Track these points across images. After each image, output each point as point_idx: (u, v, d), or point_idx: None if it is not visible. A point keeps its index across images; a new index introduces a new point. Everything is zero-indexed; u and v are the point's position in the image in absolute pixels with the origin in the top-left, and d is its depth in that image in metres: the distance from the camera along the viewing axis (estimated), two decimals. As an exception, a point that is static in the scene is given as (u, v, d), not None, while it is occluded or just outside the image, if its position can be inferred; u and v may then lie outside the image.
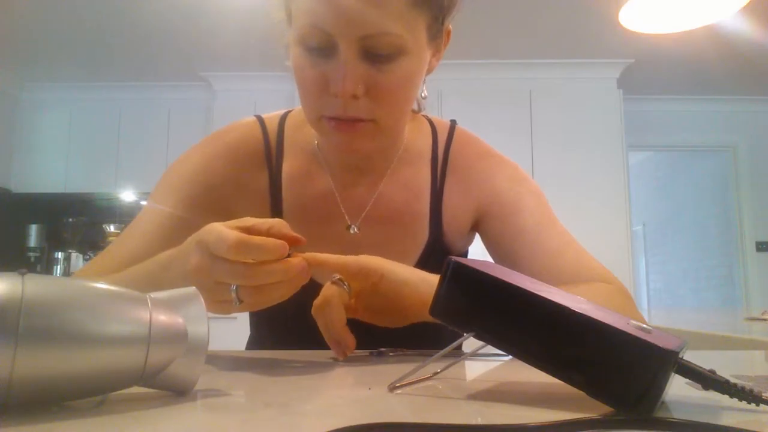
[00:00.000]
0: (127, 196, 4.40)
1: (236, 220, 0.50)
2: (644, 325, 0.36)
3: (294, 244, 0.51)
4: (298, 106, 0.77)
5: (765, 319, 1.48)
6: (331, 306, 0.54)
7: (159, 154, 4.38)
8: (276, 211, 0.75)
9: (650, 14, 2.30)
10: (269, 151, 0.77)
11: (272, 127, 0.79)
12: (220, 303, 0.50)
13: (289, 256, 0.49)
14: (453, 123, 0.84)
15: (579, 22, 3.45)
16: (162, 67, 4.15)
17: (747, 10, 2.62)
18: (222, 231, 0.47)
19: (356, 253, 0.59)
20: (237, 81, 4.18)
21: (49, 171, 4.42)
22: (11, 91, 4.40)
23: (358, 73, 0.59)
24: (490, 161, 0.80)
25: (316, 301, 0.56)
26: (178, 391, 0.37)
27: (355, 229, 0.75)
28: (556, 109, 3.98)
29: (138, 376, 0.34)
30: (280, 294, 0.50)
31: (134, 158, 4.39)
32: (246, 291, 0.48)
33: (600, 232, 3.69)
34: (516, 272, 0.45)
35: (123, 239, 0.72)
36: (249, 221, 0.50)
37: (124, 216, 4.28)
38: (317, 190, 0.76)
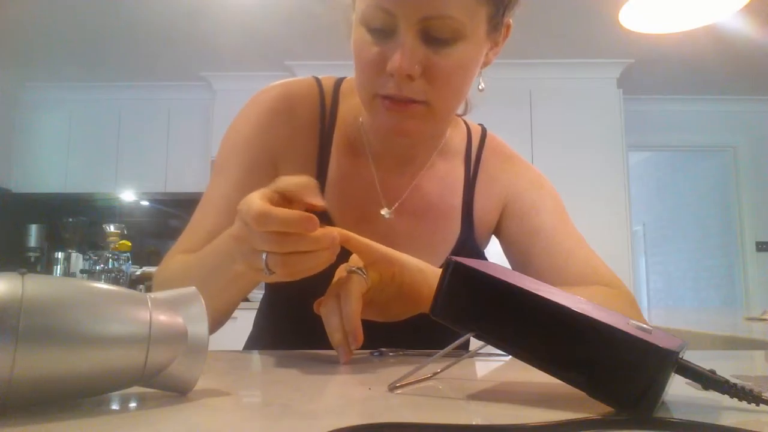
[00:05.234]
0: (127, 196, 4.40)
1: (272, 185, 0.50)
2: (644, 325, 0.36)
3: (312, 209, 0.50)
4: (350, 75, 0.77)
5: (765, 319, 1.48)
6: (350, 293, 0.53)
7: (159, 154, 4.38)
8: (320, 181, 0.74)
9: (650, 14, 2.30)
10: (323, 115, 0.77)
11: (328, 91, 0.78)
12: (255, 271, 0.50)
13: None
14: (483, 127, 0.88)
15: (579, 22, 3.45)
16: (162, 67, 4.15)
17: (747, 10, 2.62)
18: (250, 200, 0.47)
19: (388, 241, 0.59)
20: (237, 81, 4.18)
21: (49, 171, 4.42)
22: (11, 91, 4.39)
23: (415, 53, 0.60)
24: (517, 165, 0.84)
25: (334, 288, 0.55)
26: (178, 391, 0.37)
27: (390, 214, 0.76)
28: (556, 109, 3.98)
29: (138, 376, 0.34)
30: (309, 265, 0.49)
31: (134, 158, 4.39)
32: (274, 259, 0.48)
33: (600, 232, 3.69)
34: (516, 272, 0.45)
35: (199, 218, 0.73)
36: (281, 184, 0.50)
37: (124, 216, 4.28)
38: (360, 171, 0.76)
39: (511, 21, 0.70)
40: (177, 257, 0.70)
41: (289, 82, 0.78)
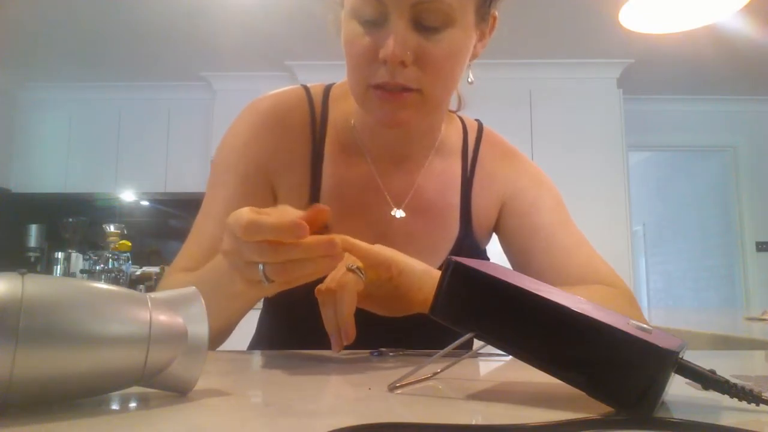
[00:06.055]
0: (127, 196, 4.40)
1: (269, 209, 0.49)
2: (644, 325, 0.36)
3: (317, 218, 0.49)
4: (340, 80, 0.77)
5: (765, 319, 1.47)
6: (346, 291, 0.54)
7: (159, 154, 4.38)
8: (315, 187, 0.75)
9: (650, 14, 2.30)
10: (314, 123, 0.77)
11: (317, 99, 0.78)
12: (253, 283, 0.49)
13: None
14: (480, 122, 0.87)
15: (579, 22, 3.45)
16: (162, 67, 4.15)
17: (747, 10, 2.62)
18: (238, 212, 0.47)
19: (389, 241, 0.59)
20: (237, 81, 4.18)
21: (49, 171, 4.42)
22: (11, 91, 4.39)
23: (408, 39, 0.61)
24: (516, 161, 0.84)
25: (328, 283, 0.55)
26: (178, 391, 0.37)
27: (402, 213, 0.76)
28: (556, 109, 3.98)
29: (138, 376, 0.34)
30: (308, 272, 0.48)
31: (134, 158, 4.39)
32: (272, 269, 0.47)
33: (600, 232, 3.68)
34: (516, 272, 0.45)
35: (197, 232, 0.74)
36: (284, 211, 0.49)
37: (124, 216, 4.28)
38: (356, 173, 0.76)
39: (497, 13, 0.71)
40: (177, 276, 0.70)
41: (277, 93, 0.78)
